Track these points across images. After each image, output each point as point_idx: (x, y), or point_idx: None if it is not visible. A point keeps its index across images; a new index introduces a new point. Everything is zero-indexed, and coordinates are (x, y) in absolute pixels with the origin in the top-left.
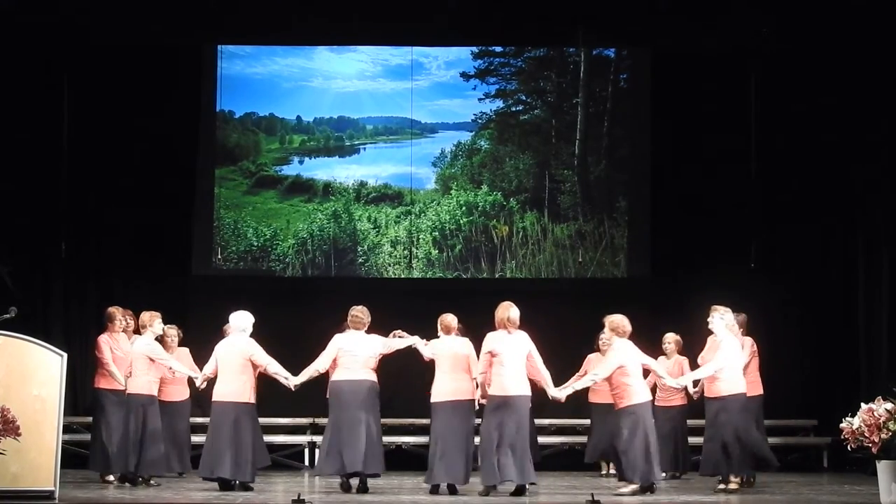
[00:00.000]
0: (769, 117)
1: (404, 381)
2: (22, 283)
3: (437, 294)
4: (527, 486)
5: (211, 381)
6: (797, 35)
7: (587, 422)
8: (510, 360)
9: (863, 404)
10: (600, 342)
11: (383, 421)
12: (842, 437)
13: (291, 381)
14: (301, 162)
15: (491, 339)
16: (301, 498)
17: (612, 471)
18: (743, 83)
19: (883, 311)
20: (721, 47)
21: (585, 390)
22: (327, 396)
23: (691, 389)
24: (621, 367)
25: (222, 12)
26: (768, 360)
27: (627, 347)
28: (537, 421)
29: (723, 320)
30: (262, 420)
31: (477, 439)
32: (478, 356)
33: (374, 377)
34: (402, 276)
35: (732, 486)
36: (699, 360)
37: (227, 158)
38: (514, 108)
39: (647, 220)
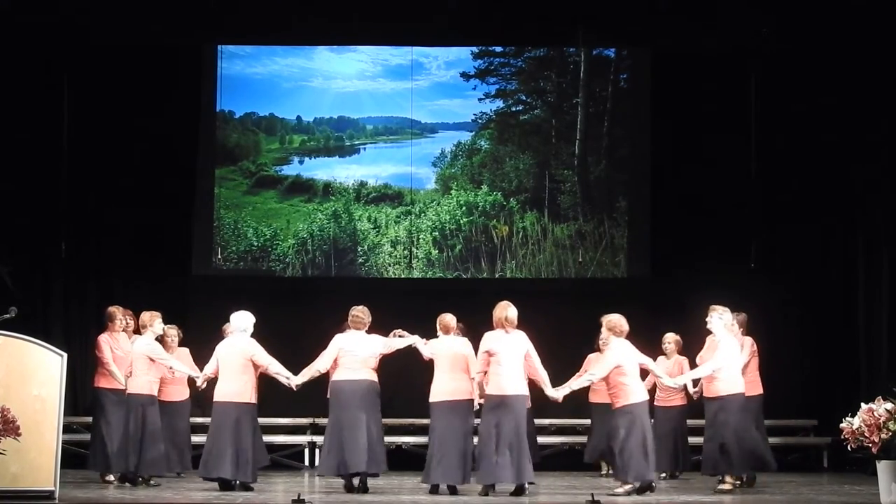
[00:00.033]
0: (769, 117)
1: (404, 381)
2: (22, 283)
3: (437, 294)
4: (526, 486)
5: (211, 382)
6: (797, 35)
7: (587, 422)
8: (507, 360)
9: (863, 404)
10: (600, 342)
11: (383, 421)
12: (842, 437)
13: (293, 380)
14: (301, 162)
15: (488, 339)
16: (301, 498)
17: (612, 471)
18: (743, 83)
19: (883, 311)
20: (721, 47)
21: (586, 390)
22: (328, 396)
23: (691, 389)
24: (618, 367)
25: (222, 12)
26: (768, 360)
27: (625, 347)
28: (537, 421)
29: (721, 320)
30: (262, 420)
31: (476, 439)
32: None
33: (374, 377)
34: (402, 276)
35: (726, 486)
36: (698, 360)
37: (227, 158)
38: (514, 108)
39: (647, 220)
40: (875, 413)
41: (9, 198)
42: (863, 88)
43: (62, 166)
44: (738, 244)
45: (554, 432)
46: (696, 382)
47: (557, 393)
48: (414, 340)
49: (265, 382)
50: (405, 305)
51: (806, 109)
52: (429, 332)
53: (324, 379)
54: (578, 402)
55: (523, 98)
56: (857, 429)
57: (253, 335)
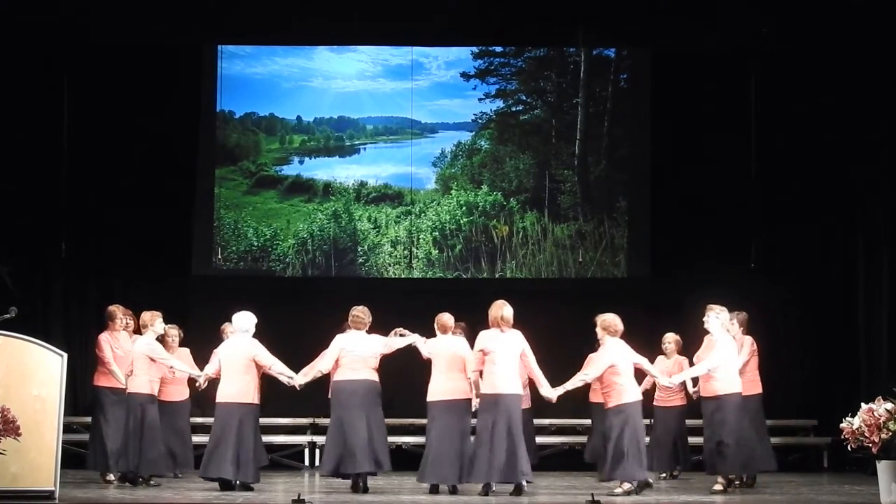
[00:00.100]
0: (769, 117)
1: (404, 380)
2: (22, 283)
3: (437, 294)
4: (524, 485)
5: (211, 382)
6: (797, 35)
7: (587, 422)
8: (502, 359)
9: (863, 404)
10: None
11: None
12: (842, 437)
13: (296, 380)
14: (301, 162)
15: (483, 338)
16: (301, 498)
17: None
18: (743, 83)
19: (883, 311)
20: (721, 47)
21: (586, 390)
22: (329, 397)
23: (690, 389)
24: (612, 367)
25: (222, 12)
26: (768, 360)
27: (619, 346)
28: (537, 421)
29: (718, 319)
30: (262, 420)
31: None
32: None
33: (375, 377)
34: (403, 276)
35: (718, 486)
36: (695, 360)
37: (227, 158)
38: (514, 108)
39: (647, 220)
40: (875, 413)
41: (9, 198)
42: (863, 88)
43: (62, 166)
44: (738, 244)
45: (554, 432)
46: (695, 382)
47: (552, 393)
48: (414, 339)
49: (266, 383)
50: (405, 305)
51: (806, 109)
52: (429, 333)
53: (324, 379)
54: (578, 402)
55: (523, 98)
56: (857, 429)
57: (254, 335)
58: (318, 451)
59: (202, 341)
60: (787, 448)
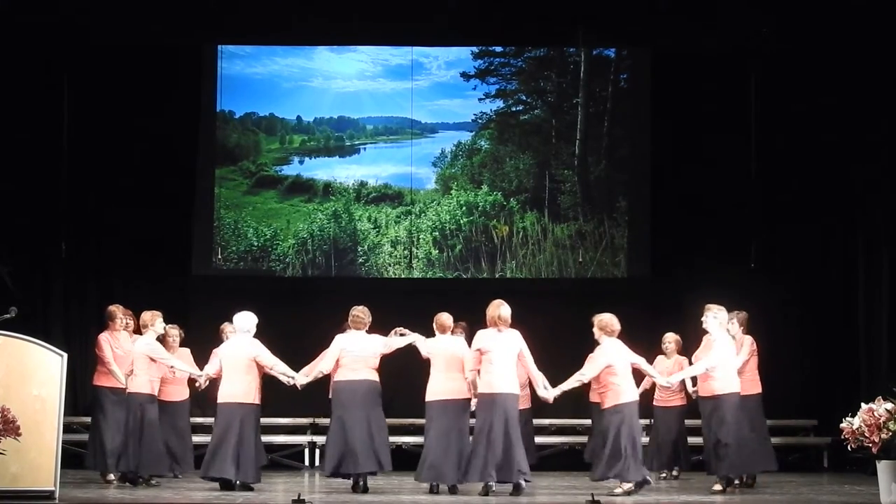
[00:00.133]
0: (769, 117)
1: (404, 381)
2: (22, 283)
3: (437, 294)
4: (522, 484)
5: (211, 382)
6: (797, 35)
7: (587, 422)
8: (499, 358)
9: (863, 404)
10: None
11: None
12: (842, 437)
13: (298, 380)
14: (301, 162)
15: (480, 337)
16: (301, 498)
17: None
18: (743, 83)
19: (883, 311)
20: (721, 47)
21: (586, 390)
22: (330, 397)
23: (690, 388)
24: (609, 367)
25: (222, 12)
26: (768, 360)
27: (616, 346)
28: (537, 421)
29: (716, 319)
30: (262, 420)
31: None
32: None
33: (376, 377)
34: (403, 276)
35: (717, 486)
36: (693, 359)
37: (227, 158)
38: (514, 108)
39: (647, 220)
40: (875, 413)
41: (9, 198)
42: (863, 88)
43: (62, 166)
44: (738, 244)
45: (554, 432)
46: (694, 382)
47: (548, 394)
48: (414, 338)
49: (266, 383)
50: (405, 305)
51: (806, 109)
52: (429, 333)
53: (324, 379)
54: (578, 402)
55: (523, 98)
56: (857, 429)
57: (254, 336)
58: (318, 451)
59: (202, 341)
60: (787, 448)
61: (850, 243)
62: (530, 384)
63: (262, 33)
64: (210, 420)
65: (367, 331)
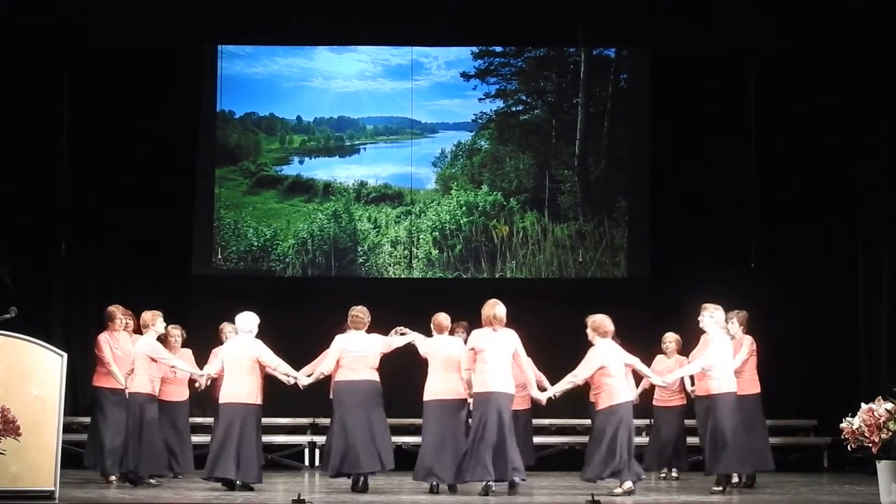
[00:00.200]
0: (769, 117)
1: (404, 381)
2: (22, 283)
3: (437, 294)
4: (517, 482)
5: (211, 382)
6: (797, 35)
7: (587, 422)
8: (494, 358)
9: (863, 404)
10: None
11: None
12: (842, 437)
13: (300, 380)
14: (301, 162)
15: (475, 336)
16: (301, 498)
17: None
18: (743, 83)
19: (883, 311)
20: (721, 47)
21: (586, 390)
22: (331, 397)
23: (689, 388)
24: (603, 368)
25: (222, 12)
26: (768, 360)
27: (609, 347)
28: (536, 421)
29: (713, 318)
30: (262, 420)
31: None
32: None
33: (376, 376)
34: (403, 276)
35: (717, 486)
36: (690, 359)
37: (227, 158)
38: (514, 108)
39: (647, 220)
40: (875, 413)
41: (9, 198)
42: (863, 88)
43: (62, 166)
44: (738, 244)
45: (554, 432)
46: (693, 381)
47: (542, 395)
48: (414, 338)
49: (266, 383)
50: (405, 305)
51: (806, 109)
52: (428, 333)
53: (325, 379)
54: (578, 402)
55: (523, 98)
56: (857, 429)
57: (255, 336)
58: (317, 451)
59: (202, 341)
60: (787, 448)
61: (850, 243)
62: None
63: (262, 33)
64: (210, 420)
65: (366, 331)
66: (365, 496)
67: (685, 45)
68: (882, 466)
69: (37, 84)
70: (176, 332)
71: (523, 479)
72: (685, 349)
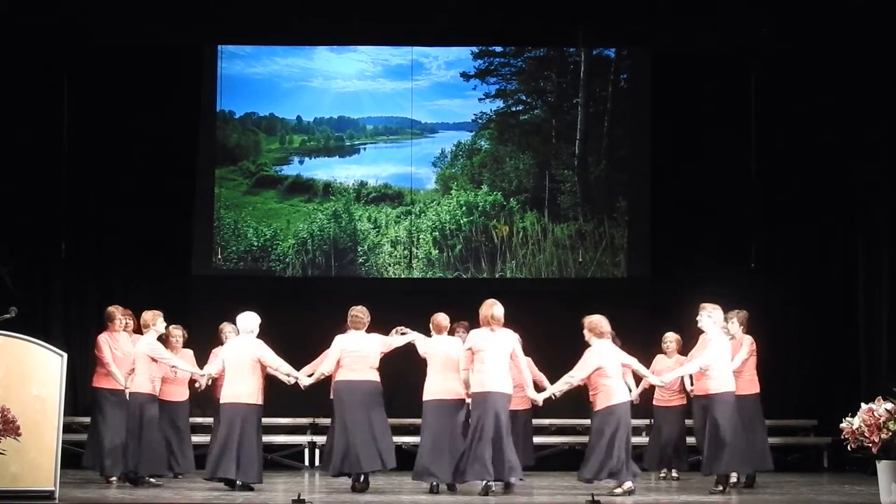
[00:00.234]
0: (769, 117)
1: (404, 381)
2: (22, 283)
3: (437, 294)
4: (513, 482)
5: (211, 382)
6: (797, 35)
7: (587, 422)
8: (491, 358)
9: (863, 404)
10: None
11: None
12: (842, 437)
13: (302, 381)
14: (301, 162)
15: (473, 336)
16: (301, 498)
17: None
18: (743, 83)
19: (883, 311)
20: (721, 47)
21: (586, 390)
22: (331, 397)
23: (689, 388)
24: (600, 369)
25: (222, 12)
26: (768, 360)
27: (606, 348)
28: (537, 421)
29: (710, 318)
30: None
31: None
32: None
33: (376, 376)
34: (403, 276)
35: (718, 487)
36: (688, 358)
37: (227, 158)
38: (514, 108)
39: (647, 220)
40: (875, 413)
41: (9, 198)
42: (863, 88)
43: (62, 166)
44: (738, 244)
45: (554, 432)
46: (692, 381)
47: (538, 396)
48: (414, 337)
49: (266, 383)
50: (405, 305)
51: (806, 109)
52: (428, 333)
53: (325, 379)
54: (578, 402)
55: (523, 98)
56: (857, 429)
57: (256, 336)
58: (317, 451)
59: (202, 341)
60: (787, 448)
61: (850, 243)
62: (534, 384)
63: (262, 33)
64: (209, 420)
65: (366, 330)
66: (365, 496)
67: (685, 45)
68: (882, 466)
69: (37, 84)
70: (177, 333)
71: (521, 479)
72: (685, 349)
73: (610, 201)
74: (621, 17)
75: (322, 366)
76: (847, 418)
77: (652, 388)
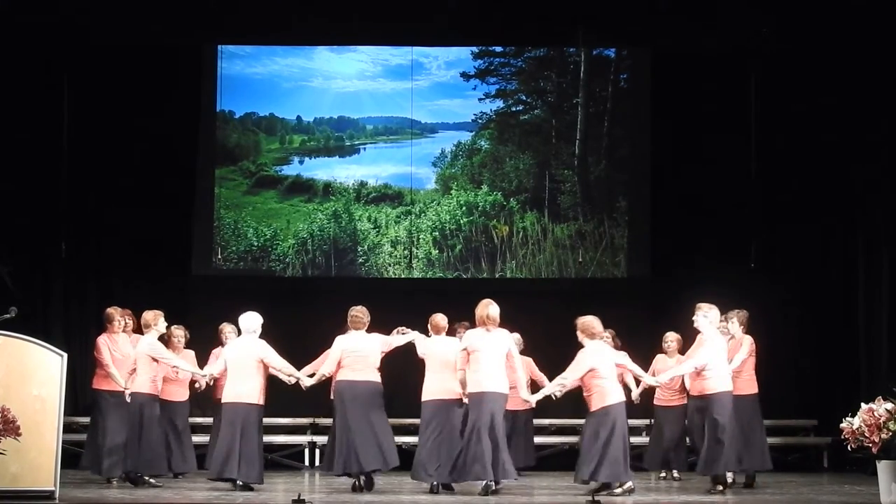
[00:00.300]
0: (769, 117)
1: (404, 381)
2: (22, 283)
3: (437, 294)
4: (508, 482)
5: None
6: (797, 35)
7: None
8: (487, 358)
9: (863, 404)
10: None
11: None
12: (842, 437)
13: (304, 381)
14: (301, 162)
15: (468, 337)
16: (301, 498)
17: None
18: (743, 83)
19: (883, 311)
20: (721, 47)
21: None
22: (332, 397)
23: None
24: (593, 370)
25: (222, 12)
26: (768, 360)
27: (599, 349)
28: (537, 421)
29: (706, 318)
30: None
31: None
32: None
33: (377, 376)
34: (403, 276)
35: (718, 487)
36: (685, 358)
37: (227, 158)
38: (514, 108)
39: (647, 220)
40: (875, 413)
41: (9, 198)
42: (863, 88)
43: (62, 166)
44: (738, 244)
45: (554, 432)
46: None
47: (531, 397)
48: (414, 337)
49: (267, 382)
50: (405, 305)
51: (806, 109)
52: (428, 333)
53: (326, 379)
54: (578, 402)
55: (523, 98)
56: (857, 429)
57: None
58: (318, 451)
59: (202, 341)
60: (787, 448)
61: (850, 243)
62: (531, 385)
63: (262, 33)
64: (209, 420)
65: (366, 330)
66: (365, 496)
67: (685, 45)
68: (882, 466)
69: (37, 84)
70: (179, 333)
71: (515, 479)
72: (685, 349)
73: (610, 201)
74: (621, 17)
75: (323, 367)
76: (847, 418)
77: (653, 388)
